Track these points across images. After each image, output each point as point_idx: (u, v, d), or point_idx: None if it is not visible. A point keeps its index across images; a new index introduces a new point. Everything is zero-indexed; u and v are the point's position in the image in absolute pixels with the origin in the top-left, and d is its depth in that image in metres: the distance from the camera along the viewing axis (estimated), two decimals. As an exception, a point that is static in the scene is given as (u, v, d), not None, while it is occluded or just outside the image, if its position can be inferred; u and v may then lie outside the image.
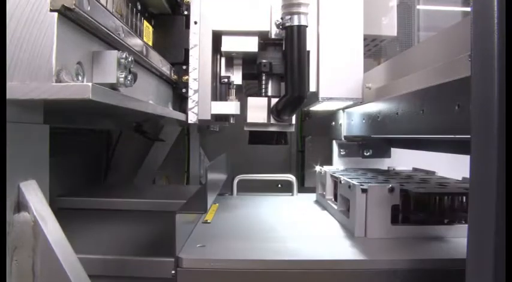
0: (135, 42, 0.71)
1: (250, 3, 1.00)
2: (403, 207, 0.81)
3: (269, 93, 1.05)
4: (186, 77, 1.03)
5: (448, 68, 0.66)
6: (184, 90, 1.04)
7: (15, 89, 0.46)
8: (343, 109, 1.20)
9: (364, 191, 0.79)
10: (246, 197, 1.28)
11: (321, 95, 0.97)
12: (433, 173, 1.12)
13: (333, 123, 1.27)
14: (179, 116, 0.99)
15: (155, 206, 1.27)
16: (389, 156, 1.31)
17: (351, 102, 1.01)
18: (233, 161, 1.42)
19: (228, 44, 1.01)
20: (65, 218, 0.60)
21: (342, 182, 0.92)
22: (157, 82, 0.96)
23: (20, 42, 0.47)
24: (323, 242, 0.78)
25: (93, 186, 1.56)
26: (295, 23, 0.91)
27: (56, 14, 0.46)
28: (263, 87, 1.05)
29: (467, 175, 0.48)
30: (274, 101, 1.03)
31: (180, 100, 1.08)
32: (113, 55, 0.58)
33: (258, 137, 1.11)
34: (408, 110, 0.79)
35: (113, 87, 0.59)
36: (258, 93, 1.06)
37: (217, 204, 1.14)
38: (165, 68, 0.95)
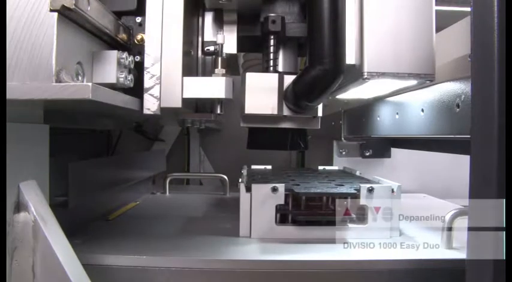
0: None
1: None
2: (296, 208, 0.76)
3: (280, 69, 0.71)
4: (140, 36, 0.65)
5: None
6: (138, 58, 0.65)
7: (15, 89, 0.46)
8: (343, 111, 1.19)
9: (248, 189, 0.75)
10: (177, 196, 1.26)
11: (367, 68, 0.60)
12: (355, 172, 1.06)
13: (333, 123, 1.27)
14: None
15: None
16: (389, 156, 1.30)
17: (414, 82, 0.64)
18: (232, 161, 1.41)
19: None
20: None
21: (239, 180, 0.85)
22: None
23: (20, 42, 0.47)
24: (205, 241, 0.75)
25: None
26: None
27: (55, 14, 0.46)
28: (271, 58, 0.69)
29: None
30: (288, 80, 0.68)
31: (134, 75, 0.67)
32: (112, 55, 0.58)
33: (263, 138, 0.77)
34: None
35: (113, 87, 0.59)
36: (262, 68, 0.72)
37: (137, 202, 1.11)
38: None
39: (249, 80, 0.69)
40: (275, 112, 0.69)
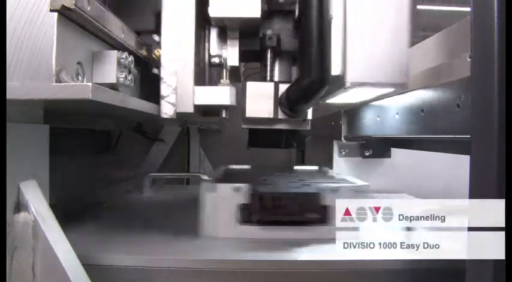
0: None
1: None
2: (258, 208, 0.76)
3: (276, 78, 0.81)
4: (158, 52, 0.75)
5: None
6: (156, 71, 0.75)
7: (15, 89, 0.46)
8: (343, 111, 1.19)
9: (211, 189, 0.77)
10: (155, 195, 1.27)
11: (349, 79, 0.69)
12: (328, 172, 1.08)
13: (333, 123, 1.27)
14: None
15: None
16: (389, 156, 1.30)
17: (390, 90, 0.73)
18: (232, 161, 1.42)
19: (218, 7, 0.73)
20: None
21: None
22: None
23: (20, 42, 0.47)
24: (165, 240, 0.76)
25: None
26: None
27: (55, 14, 0.46)
28: (268, 69, 0.79)
29: None
30: (283, 87, 0.78)
31: (152, 84, 0.77)
32: (113, 55, 0.58)
33: (261, 138, 0.86)
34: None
35: (113, 87, 0.59)
36: (260, 78, 0.82)
37: (107, 202, 1.12)
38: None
39: (249, 88, 0.78)
40: (271, 115, 0.78)
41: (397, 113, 0.86)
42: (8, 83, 0.46)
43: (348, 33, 0.69)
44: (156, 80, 0.74)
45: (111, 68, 0.58)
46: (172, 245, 0.73)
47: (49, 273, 0.54)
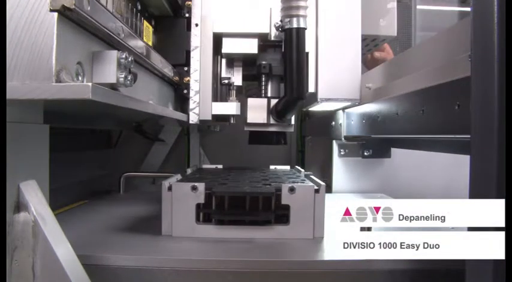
0: (135, 42, 0.71)
1: (250, 6, 1.02)
2: (215, 206, 0.78)
3: (269, 94, 1.09)
4: (187, 78, 1.06)
5: (448, 69, 0.66)
6: (185, 91, 1.07)
7: (15, 89, 0.46)
8: (342, 109, 1.19)
9: (169, 188, 0.77)
10: (130, 195, 1.28)
11: (320, 95, 1.00)
12: (300, 172, 1.11)
13: (333, 123, 1.27)
14: (180, 116, 1.01)
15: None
16: (389, 156, 1.30)
17: (349, 103, 1.04)
18: (233, 161, 1.42)
19: (229, 46, 1.03)
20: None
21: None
22: (159, 83, 0.97)
23: (20, 42, 0.47)
24: (128, 239, 0.78)
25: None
26: (294, 25, 0.94)
27: (56, 14, 0.46)
28: (263, 88, 1.08)
29: None
30: (273, 101, 1.06)
31: (182, 101, 1.10)
32: (113, 55, 0.58)
33: (258, 137, 1.13)
34: (408, 110, 0.79)
35: (113, 87, 0.59)
36: (258, 94, 1.10)
37: (86, 201, 1.14)
38: (166, 69, 0.96)
39: (250, 102, 1.07)
40: (265, 121, 1.06)
41: (397, 113, 0.86)
42: (8, 83, 0.46)
43: (319, 64, 1.00)
44: (185, 98, 1.07)
45: (111, 68, 0.58)
46: (133, 244, 0.74)
47: (49, 273, 0.54)
